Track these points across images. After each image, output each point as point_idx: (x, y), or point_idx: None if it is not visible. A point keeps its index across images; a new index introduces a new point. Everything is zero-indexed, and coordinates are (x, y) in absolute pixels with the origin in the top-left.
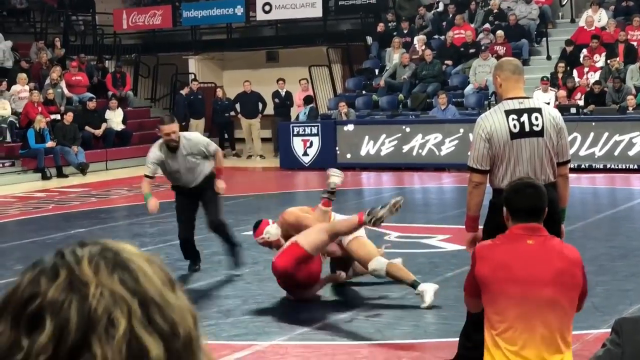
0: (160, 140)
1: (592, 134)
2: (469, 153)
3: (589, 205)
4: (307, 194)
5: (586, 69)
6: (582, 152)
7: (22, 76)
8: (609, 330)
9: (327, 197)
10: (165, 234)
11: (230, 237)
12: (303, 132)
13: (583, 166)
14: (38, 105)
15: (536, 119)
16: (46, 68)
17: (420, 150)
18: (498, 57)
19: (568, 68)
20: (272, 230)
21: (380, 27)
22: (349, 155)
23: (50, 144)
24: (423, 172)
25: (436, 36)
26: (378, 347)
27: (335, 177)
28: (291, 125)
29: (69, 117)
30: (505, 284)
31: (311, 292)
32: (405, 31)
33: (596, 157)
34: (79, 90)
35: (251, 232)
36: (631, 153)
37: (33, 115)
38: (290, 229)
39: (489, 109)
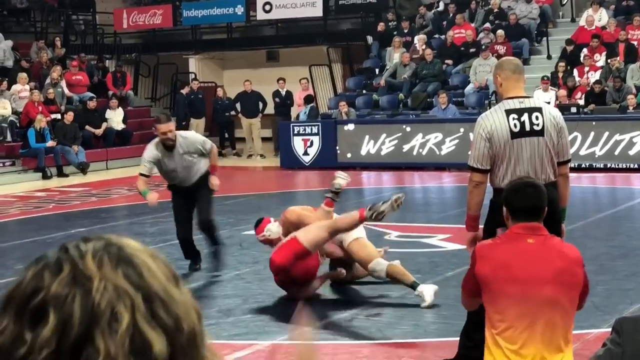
0: (157, 139)
1: (592, 134)
2: (469, 152)
3: (590, 205)
4: (308, 193)
5: (586, 69)
6: (582, 152)
7: (23, 76)
8: (610, 329)
9: (330, 197)
10: (166, 234)
11: (216, 238)
12: (303, 132)
13: (583, 165)
14: (38, 104)
15: (537, 118)
16: (46, 67)
17: (420, 150)
18: (498, 56)
19: (568, 67)
20: (273, 228)
21: (381, 26)
22: (349, 155)
23: (50, 143)
24: (423, 171)
25: (436, 35)
26: (378, 347)
27: (341, 178)
28: (291, 124)
29: (69, 116)
30: (506, 283)
31: (309, 290)
32: (406, 30)
33: (596, 156)
34: (80, 90)
35: (252, 232)
36: (631, 152)
37: (33, 115)
38: (292, 228)
39: (490, 108)
